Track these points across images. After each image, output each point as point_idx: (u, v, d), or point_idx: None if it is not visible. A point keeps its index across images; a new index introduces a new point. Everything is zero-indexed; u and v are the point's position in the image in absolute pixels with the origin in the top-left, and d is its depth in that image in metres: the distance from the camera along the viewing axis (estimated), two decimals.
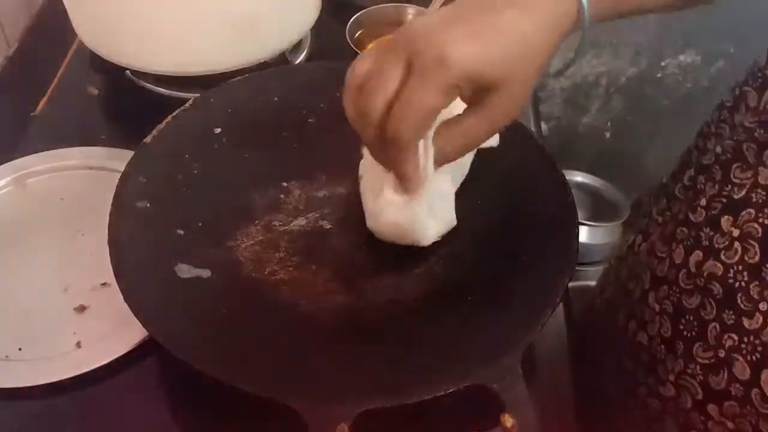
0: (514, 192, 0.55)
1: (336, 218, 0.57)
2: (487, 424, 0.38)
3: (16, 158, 0.63)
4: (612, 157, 1.61)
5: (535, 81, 0.41)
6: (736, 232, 0.47)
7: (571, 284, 0.48)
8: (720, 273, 0.47)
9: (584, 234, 1.42)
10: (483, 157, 0.55)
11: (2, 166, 0.62)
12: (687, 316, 0.50)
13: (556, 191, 0.53)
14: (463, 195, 0.57)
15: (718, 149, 0.53)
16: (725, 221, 0.48)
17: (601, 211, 1.52)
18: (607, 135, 1.59)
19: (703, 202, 0.51)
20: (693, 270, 0.50)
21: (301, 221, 0.56)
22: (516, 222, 0.53)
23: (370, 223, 0.52)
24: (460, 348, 0.44)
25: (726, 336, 0.47)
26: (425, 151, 0.42)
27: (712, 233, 0.49)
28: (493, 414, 0.39)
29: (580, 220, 0.51)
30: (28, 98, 0.72)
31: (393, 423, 0.41)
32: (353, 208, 0.58)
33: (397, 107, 0.38)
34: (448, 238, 0.54)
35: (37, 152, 0.63)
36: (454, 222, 0.52)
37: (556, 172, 0.54)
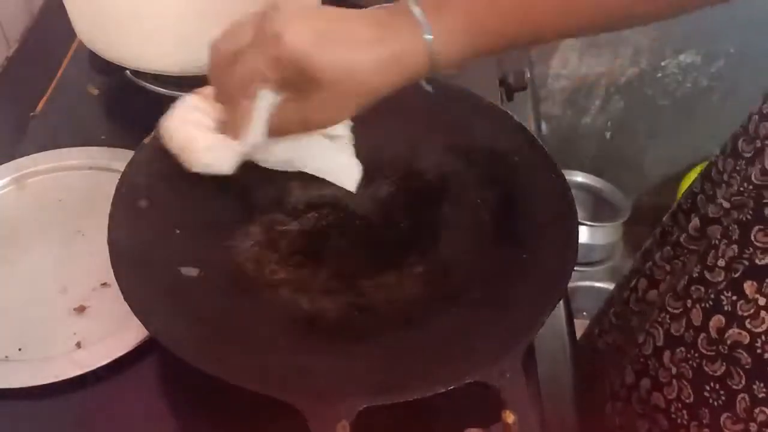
0: (515, 192, 0.55)
1: (336, 218, 0.57)
2: (488, 421, 0.38)
3: (16, 158, 0.63)
4: (612, 157, 1.62)
5: (354, 106, 0.44)
6: (762, 301, 0.45)
7: (571, 284, 0.48)
8: (747, 342, 0.46)
9: (584, 234, 1.42)
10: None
11: (2, 166, 0.62)
12: (712, 384, 0.48)
13: (556, 191, 0.53)
14: (463, 195, 0.57)
15: (726, 203, 0.52)
16: (748, 287, 0.46)
17: (601, 211, 1.52)
18: (607, 135, 1.59)
19: (722, 263, 0.50)
20: (714, 335, 0.48)
21: (300, 221, 0.56)
22: (516, 222, 0.53)
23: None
24: (460, 347, 0.44)
25: (758, 410, 0.45)
26: (258, 113, 0.45)
27: (735, 298, 0.47)
28: (494, 411, 0.39)
29: (580, 220, 0.51)
30: (28, 98, 0.72)
31: (394, 420, 0.42)
32: (353, 208, 0.58)
33: (233, 63, 0.44)
34: (448, 239, 0.54)
35: (37, 152, 0.63)
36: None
37: (556, 172, 0.54)
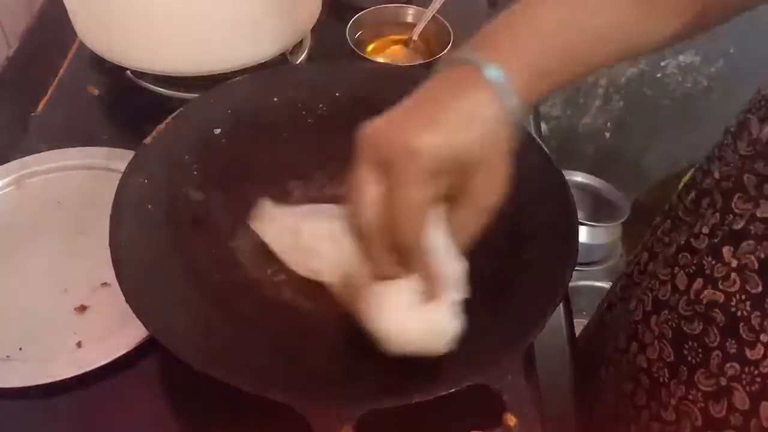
0: (514, 192, 0.55)
1: None
2: (490, 423, 0.38)
3: (17, 158, 0.63)
4: (612, 157, 1.61)
5: (504, 163, 0.41)
6: (734, 263, 0.47)
7: (571, 284, 0.48)
8: (721, 301, 0.47)
9: (584, 234, 1.42)
10: None
11: (3, 166, 0.62)
12: (690, 342, 0.50)
13: (556, 191, 0.53)
14: None
15: (717, 174, 0.54)
16: (726, 251, 0.48)
17: (601, 211, 1.52)
18: (607, 135, 1.59)
19: (705, 230, 0.51)
20: (692, 297, 0.50)
21: None
22: (516, 222, 0.53)
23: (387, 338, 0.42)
24: (461, 348, 0.44)
25: (728, 365, 0.46)
26: (440, 248, 0.40)
27: (714, 262, 0.49)
28: (495, 413, 0.39)
29: (580, 220, 0.51)
30: (28, 98, 0.72)
31: (396, 424, 0.41)
32: None
33: (390, 214, 0.38)
34: None
35: (38, 152, 0.63)
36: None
37: (556, 172, 0.54)
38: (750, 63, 1.33)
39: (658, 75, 1.44)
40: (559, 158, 0.55)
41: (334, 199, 0.58)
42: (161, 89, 0.69)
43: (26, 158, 0.63)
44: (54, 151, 0.63)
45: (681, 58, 1.40)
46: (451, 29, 0.74)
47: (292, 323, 0.49)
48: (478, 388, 0.40)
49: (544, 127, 1.55)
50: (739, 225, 0.48)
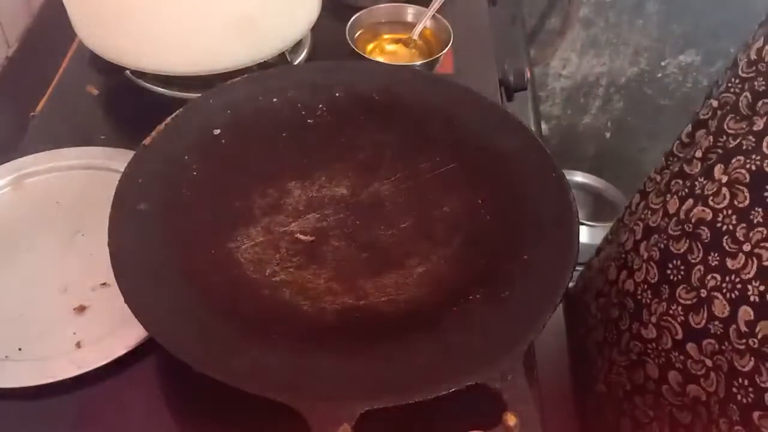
0: (514, 192, 0.55)
1: (336, 219, 0.57)
2: (490, 423, 0.38)
3: (16, 158, 0.63)
4: (612, 157, 1.61)
5: None
6: (724, 179, 0.48)
7: (571, 284, 0.48)
8: (709, 218, 0.48)
9: (584, 234, 1.42)
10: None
11: (2, 166, 0.62)
12: (674, 261, 0.51)
13: (556, 191, 0.53)
14: (463, 195, 0.57)
15: (715, 103, 0.54)
16: (717, 170, 0.49)
17: (601, 211, 1.52)
18: (607, 135, 1.59)
19: (699, 153, 0.52)
20: (682, 217, 0.51)
21: (301, 222, 0.56)
22: (516, 222, 0.53)
23: None
24: (460, 348, 0.44)
25: (709, 276, 0.47)
26: None
27: (705, 182, 0.50)
28: (495, 413, 0.39)
29: (580, 220, 0.51)
30: (28, 98, 0.72)
31: (395, 423, 0.41)
32: (353, 209, 0.58)
33: None
34: (448, 240, 0.54)
35: (37, 152, 0.63)
36: None
37: (556, 172, 0.54)
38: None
39: (658, 75, 1.44)
40: (559, 158, 0.55)
41: (334, 199, 0.58)
42: (161, 89, 0.69)
43: (25, 158, 0.63)
44: (53, 151, 0.63)
45: (681, 58, 1.40)
46: (451, 29, 0.74)
47: (292, 323, 0.49)
48: (478, 388, 0.40)
49: (544, 127, 1.55)
50: (732, 143, 0.49)
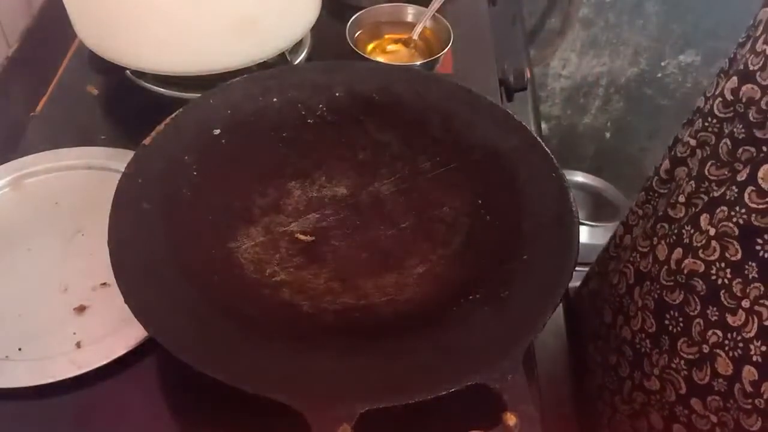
0: (514, 192, 0.55)
1: (336, 219, 0.57)
2: (489, 423, 0.38)
3: (16, 158, 0.63)
4: (612, 157, 1.61)
5: None
6: (712, 231, 0.47)
7: (571, 284, 0.48)
8: (702, 270, 0.48)
9: (584, 234, 1.42)
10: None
11: (2, 166, 0.62)
12: (671, 312, 0.50)
13: (556, 191, 0.53)
14: (463, 195, 0.57)
15: (693, 141, 0.54)
16: (704, 219, 0.48)
17: (601, 211, 1.52)
18: (607, 135, 1.59)
19: (682, 198, 0.52)
20: (673, 267, 0.50)
21: (301, 222, 0.56)
22: (516, 222, 0.53)
23: None
24: (460, 348, 0.44)
25: (710, 332, 0.47)
26: None
27: (692, 231, 0.49)
28: (495, 413, 0.39)
29: (580, 220, 0.51)
30: (28, 98, 0.72)
31: (395, 423, 0.41)
32: (353, 209, 0.58)
33: None
34: (448, 240, 0.54)
35: (37, 152, 0.63)
36: None
37: (556, 172, 0.54)
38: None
39: (658, 75, 1.44)
40: (559, 158, 0.55)
41: (334, 199, 0.58)
42: (161, 89, 0.69)
43: (25, 158, 0.63)
44: (53, 150, 0.63)
45: (681, 58, 1.40)
46: (451, 29, 0.74)
47: (292, 323, 0.49)
48: (478, 388, 0.40)
49: (544, 126, 1.55)
50: (715, 192, 0.48)
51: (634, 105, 1.51)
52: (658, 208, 0.56)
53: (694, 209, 0.50)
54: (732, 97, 0.49)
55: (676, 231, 0.51)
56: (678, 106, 1.47)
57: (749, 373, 0.44)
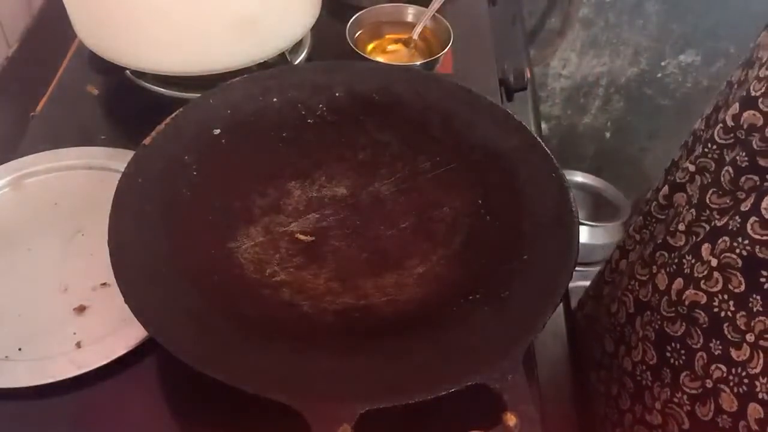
0: (514, 192, 0.55)
1: (336, 219, 0.57)
2: (489, 423, 0.38)
3: (16, 158, 0.63)
4: (612, 157, 1.61)
5: None
6: (714, 262, 0.46)
7: (571, 284, 0.48)
8: (704, 302, 0.47)
9: (584, 234, 1.42)
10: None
11: (2, 166, 0.62)
12: (673, 344, 0.49)
13: (556, 191, 0.53)
14: (463, 195, 0.57)
15: (692, 167, 0.53)
16: (705, 250, 0.47)
17: (601, 211, 1.52)
18: (607, 135, 1.59)
19: (682, 227, 0.51)
20: (674, 297, 0.49)
21: (301, 222, 0.56)
22: (516, 222, 0.53)
23: None
24: (460, 348, 0.44)
25: (713, 366, 0.46)
26: None
27: (693, 261, 0.48)
28: (495, 413, 0.39)
29: (580, 220, 0.51)
30: (28, 98, 0.72)
31: (395, 423, 0.41)
32: (353, 209, 0.58)
33: None
34: (448, 240, 0.54)
35: (37, 152, 0.63)
36: None
37: (556, 172, 0.54)
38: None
39: (658, 75, 1.44)
40: (559, 158, 0.55)
41: (334, 199, 0.58)
42: (161, 89, 0.69)
43: (25, 158, 0.63)
44: (53, 150, 0.63)
45: (681, 58, 1.40)
46: (451, 29, 0.74)
47: (292, 323, 0.49)
48: (478, 388, 0.40)
49: (544, 126, 1.55)
50: (717, 221, 0.47)
51: (634, 105, 1.51)
52: (656, 234, 0.55)
53: (695, 238, 0.49)
54: (733, 124, 0.49)
55: (676, 260, 0.50)
56: (678, 106, 1.47)
57: (755, 410, 0.43)
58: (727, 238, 0.45)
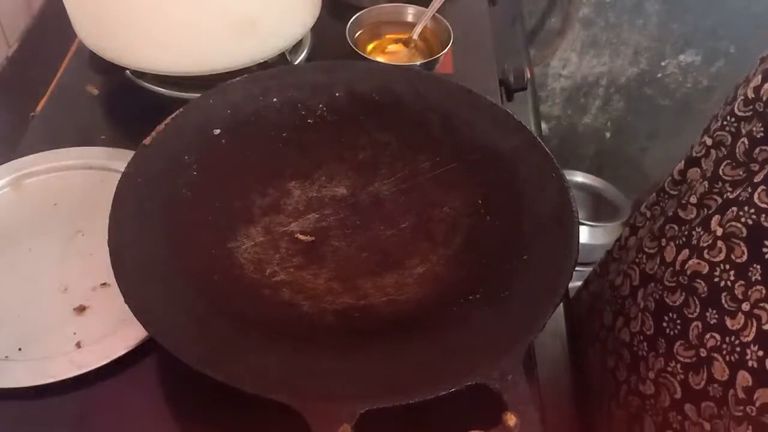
0: (514, 192, 0.55)
1: (336, 219, 0.57)
2: (489, 423, 0.38)
3: (16, 158, 0.63)
4: (612, 157, 1.61)
5: None
6: (719, 231, 0.46)
7: (571, 284, 0.48)
8: (705, 271, 0.47)
9: (584, 234, 1.42)
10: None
11: (2, 166, 0.62)
12: (670, 314, 0.49)
13: (556, 191, 0.53)
14: (463, 195, 0.57)
15: (709, 141, 0.53)
16: (714, 221, 0.47)
17: (601, 211, 1.52)
18: (607, 135, 1.59)
19: (693, 199, 0.51)
20: (678, 268, 0.49)
21: (301, 222, 0.56)
22: (516, 222, 0.53)
23: None
24: (460, 348, 0.44)
25: (708, 335, 0.46)
26: None
27: (702, 232, 0.48)
28: (495, 413, 0.39)
29: (580, 220, 0.51)
30: (28, 98, 0.72)
31: (395, 423, 0.41)
32: (353, 209, 0.58)
33: None
34: (448, 240, 0.54)
35: (37, 152, 0.63)
36: None
37: (556, 172, 0.54)
38: (750, 63, 1.33)
39: (658, 75, 1.44)
40: (559, 158, 0.55)
41: (334, 199, 0.58)
42: (161, 89, 0.69)
43: (25, 158, 0.63)
44: (53, 151, 0.63)
45: (681, 58, 1.40)
46: (451, 29, 0.74)
47: (292, 323, 0.49)
48: (478, 388, 0.40)
49: (544, 126, 1.55)
50: (729, 194, 0.47)
51: (634, 105, 1.51)
52: (667, 209, 0.55)
53: (706, 210, 0.49)
54: (753, 95, 0.48)
55: (686, 232, 0.50)
56: (678, 106, 1.47)
57: (743, 378, 0.43)
58: (735, 208, 0.45)
